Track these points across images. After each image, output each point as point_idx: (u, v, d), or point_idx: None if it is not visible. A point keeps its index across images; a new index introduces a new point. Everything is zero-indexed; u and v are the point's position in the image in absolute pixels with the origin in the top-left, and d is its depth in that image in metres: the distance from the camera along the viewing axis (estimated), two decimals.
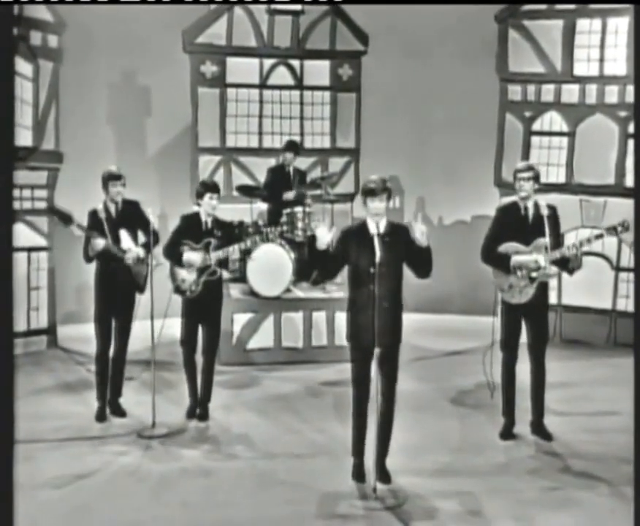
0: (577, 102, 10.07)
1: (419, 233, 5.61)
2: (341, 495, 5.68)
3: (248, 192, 10.09)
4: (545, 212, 6.62)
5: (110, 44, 10.39)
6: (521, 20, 10.26)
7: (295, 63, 11.14)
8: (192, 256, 7.07)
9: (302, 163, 10.64)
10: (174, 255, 7.11)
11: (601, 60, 9.89)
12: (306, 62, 11.17)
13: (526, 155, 10.12)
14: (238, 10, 10.87)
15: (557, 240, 6.65)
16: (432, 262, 5.71)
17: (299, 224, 9.55)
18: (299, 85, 11.20)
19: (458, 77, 10.91)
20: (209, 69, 10.92)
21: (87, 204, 7.24)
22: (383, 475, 5.77)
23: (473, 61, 10.65)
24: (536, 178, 6.68)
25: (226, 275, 7.77)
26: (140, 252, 7.18)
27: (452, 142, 11.17)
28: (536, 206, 6.67)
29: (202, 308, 7.15)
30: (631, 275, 9.65)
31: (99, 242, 6.99)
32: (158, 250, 7.18)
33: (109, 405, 7.28)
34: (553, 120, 10.23)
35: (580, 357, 9.38)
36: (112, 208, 7.19)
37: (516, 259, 6.60)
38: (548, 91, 10.23)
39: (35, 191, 9.51)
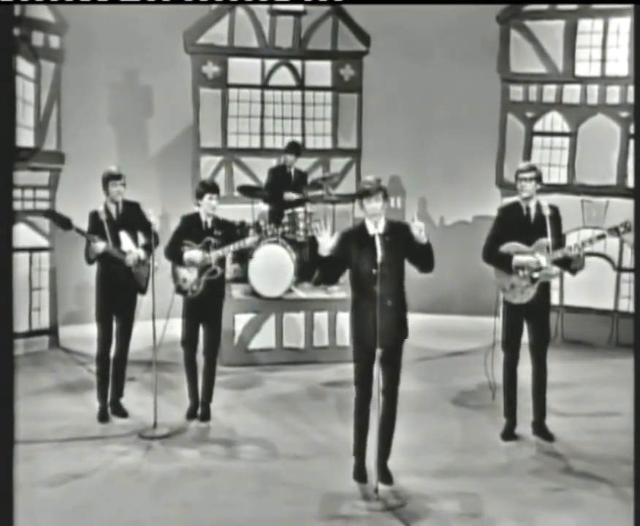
0: (579, 103, 10.07)
1: (417, 230, 5.61)
2: (343, 496, 5.68)
3: (250, 193, 10.09)
4: (547, 212, 6.60)
5: (112, 45, 10.38)
6: (523, 21, 10.26)
7: (297, 63, 11.14)
8: (193, 255, 7.08)
9: (304, 163, 10.64)
10: (175, 255, 7.12)
11: (603, 60, 9.88)
12: (308, 62, 11.17)
13: (527, 156, 10.11)
14: (240, 11, 10.88)
15: (559, 241, 6.63)
16: (434, 256, 5.69)
17: (301, 225, 9.57)
18: (301, 85, 11.20)
19: (459, 77, 10.91)
20: (210, 69, 10.93)
21: (88, 205, 7.23)
22: (385, 476, 5.77)
23: (474, 61, 10.65)
24: (538, 179, 6.67)
25: (228, 275, 7.77)
26: (141, 253, 7.18)
27: (453, 142, 11.16)
28: (538, 206, 6.66)
29: (203, 308, 7.15)
30: (633, 276, 9.64)
31: (99, 246, 6.98)
32: (159, 252, 7.18)
33: (111, 405, 7.27)
34: (555, 120, 10.23)
35: (582, 358, 9.38)
36: (113, 209, 7.18)
37: (518, 259, 6.59)
38: (550, 92, 10.22)
39: (37, 192, 9.50)
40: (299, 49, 11.07)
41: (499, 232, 6.72)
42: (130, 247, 7.17)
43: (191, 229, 7.16)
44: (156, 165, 11.21)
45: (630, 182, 9.54)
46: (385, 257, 5.54)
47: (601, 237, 6.68)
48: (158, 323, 6.80)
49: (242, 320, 9.09)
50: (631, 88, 9.56)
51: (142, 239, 7.27)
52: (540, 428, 6.79)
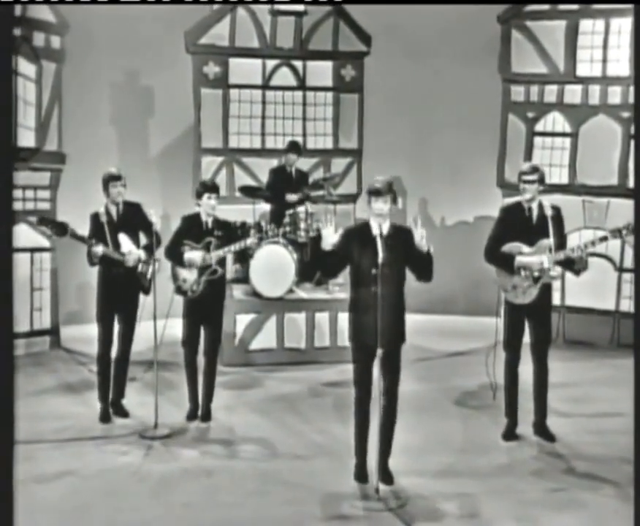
0: (580, 103, 10.07)
1: (419, 237, 5.61)
2: (343, 496, 5.68)
3: (251, 193, 10.09)
4: (549, 212, 6.59)
5: (113, 45, 10.39)
6: (524, 21, 10.26)
7: (298, 64, 11.14)
8: (193, 255, 7.07)
9: (305, 164, 10.64)
10: (175, 255, 7.12)
11: (604, 60, 9.88)
12: (309, 63, 11.17)
13: (529, 156, 10.11)
14: (241, 11, 10.87)
15: (561, 241, 6.62)
16: (433, 268, 5.71)
17: (302, 225, 9.56)
18: (302, 85, 11.19)
19: (460, 78, 10.92)
20: (211, 69, 10.92)
21: (89, 205, 7.23)
22: (386, 476, 5.76)
23: (475, 61, 10.65)
24: (541, 180, 6.66)
25: (229, 275, 7.77)
26: (141, 254, 7.17)
27: (455, 142, 11.17)
28: (540, 206, 6.65)
29: (204, 308, 7.15)
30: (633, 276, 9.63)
31: (98, 250, 6.97)
32: (160, 252, 7.17)
33: (112, 405, 7.27)
34: (556, 120, 10.23)
35: (583, 358, 9.38)
36: (114, 211, 7.18)
37: (520, 260, 6.58)
38: (551, 92, 10.22)
39: (38, 192, 9.51)
40: (300, 49, 11.06)
41: (501, 232, 6.72)
42: (130, 248, 7.16)
43: (192, 230, 7.15)
44: (157, 165, 11.22)
45: (631, 182, 9.54)
46: (386, 258, 5.53)
47: (604, 238, 6.67)
48: (158, 323, 6.80)
49: (243, 320, 9.09)
50: (632, 89, 9.56)
51: (143, 239, 7.26)
52: (541, 428, 6.78)
